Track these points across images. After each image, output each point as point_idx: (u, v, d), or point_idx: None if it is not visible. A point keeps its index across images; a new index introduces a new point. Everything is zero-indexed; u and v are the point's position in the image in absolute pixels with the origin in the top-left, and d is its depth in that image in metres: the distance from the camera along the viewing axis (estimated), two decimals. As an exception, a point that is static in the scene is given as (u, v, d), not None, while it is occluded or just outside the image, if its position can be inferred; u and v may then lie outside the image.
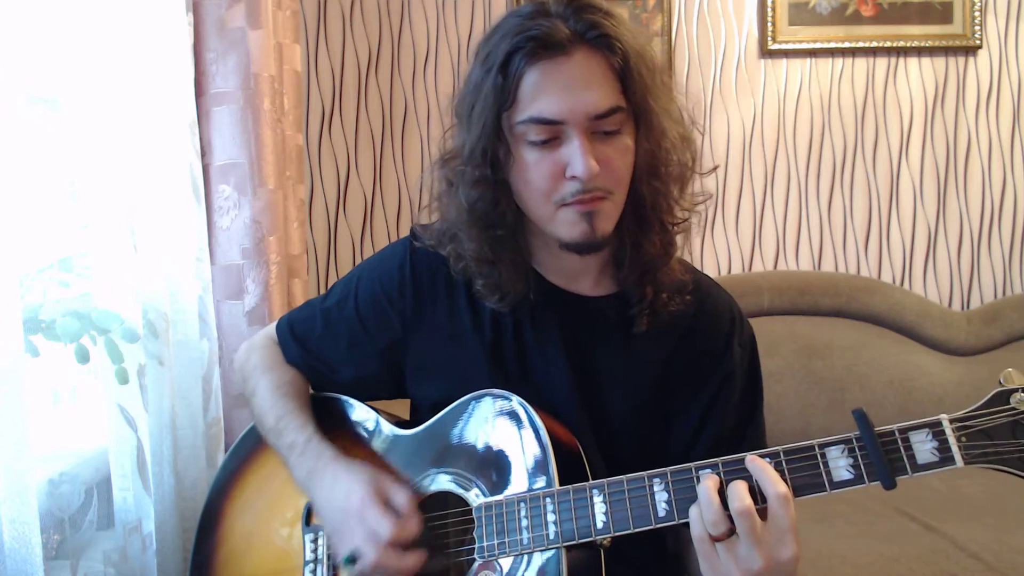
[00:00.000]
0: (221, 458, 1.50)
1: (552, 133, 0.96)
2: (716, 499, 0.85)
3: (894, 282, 2.64)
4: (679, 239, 1.08)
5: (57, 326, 1.22)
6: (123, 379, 1.28)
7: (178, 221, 1.43)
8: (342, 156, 2.53)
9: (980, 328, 2.50)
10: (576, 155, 0.94)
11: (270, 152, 1.64)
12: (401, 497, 1.00)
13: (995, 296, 2.66)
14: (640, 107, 0.98)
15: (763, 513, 0.85)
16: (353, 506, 0.99)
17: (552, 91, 0.94)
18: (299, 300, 1.81)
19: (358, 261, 2.51)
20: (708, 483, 0.87)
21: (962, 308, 2.65)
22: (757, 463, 0.86)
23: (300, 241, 1.88)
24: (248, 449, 1.22)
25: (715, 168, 1.11)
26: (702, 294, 1.11)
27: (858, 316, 2.50)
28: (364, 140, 2.53)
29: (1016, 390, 0.82)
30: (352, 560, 0.98)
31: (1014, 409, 0.81)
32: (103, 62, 1.30)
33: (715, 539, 0.85)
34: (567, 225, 0.99)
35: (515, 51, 0.95)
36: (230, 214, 1.61)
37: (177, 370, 1.43)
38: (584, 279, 1.10)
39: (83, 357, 1.24)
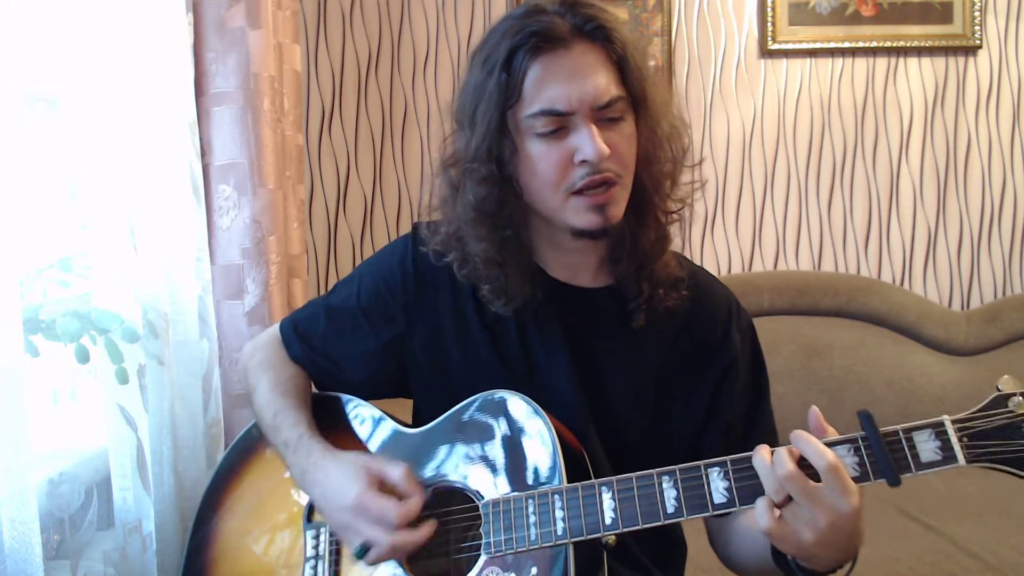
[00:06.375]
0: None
1: (560, 123, 0.98)
2: (770, 463, 0.85)
3: (894, 282, 2.64)
4: (674, 232, 1.09)
5: (57, 326, 1.22)
6: (123, 379, 1.28)
7: (178, 221, 1.43)
8: (342, 156, 2.53)
9: (980, 328, 2.50)
10: (585, 140, 0.97)
11: (270, 152, 1.64)
12: (397, 473, 1.00)
13: (995, 296, 2.66)
14: (639, 96, 1.02)
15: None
16: (351, 501, 0.99)
17: (557, 83, 0.97)
18: (299, 300, 1.81)
19: (358, 261, 2.51)
20: (763, 453, 0.86)
21: (962, 308, 2.65)
22: (803, 437, 0.85)
23: (300, 241, 1.88)
24: (243, 449, 1.22)
25: (700, 162, 1.11)
26: (698, 287, 1.12)
27: (858, 316, 2.50)
28: (364, 140, 2.53)
29: (1013, 395, 0.85)
30: (365, 550, 0.99)
31: (1012, 412, 0.84)
32: (103, 62, 1.30)
33: (778, 506, 0.85)
34: (578, 213, 1.01)
35: (517, 48, 0.98)
36: (230, 214, 1.61)
37: (177, 370, 1.43)
38: (584, 272, 1.11)
39: (83, 357, 1.24)
